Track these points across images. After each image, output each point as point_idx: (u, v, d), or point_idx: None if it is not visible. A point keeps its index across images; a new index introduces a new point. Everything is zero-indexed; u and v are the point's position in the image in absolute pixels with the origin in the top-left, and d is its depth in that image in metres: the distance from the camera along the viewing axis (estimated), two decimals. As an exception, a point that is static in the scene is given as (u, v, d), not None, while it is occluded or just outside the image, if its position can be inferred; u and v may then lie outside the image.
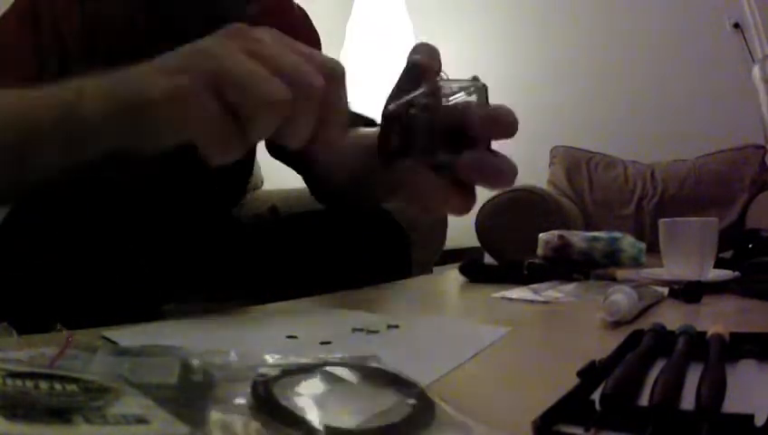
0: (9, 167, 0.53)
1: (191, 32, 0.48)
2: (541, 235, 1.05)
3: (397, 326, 0.52)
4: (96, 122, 0.47)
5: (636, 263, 1.01)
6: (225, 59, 0.42)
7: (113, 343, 0.45)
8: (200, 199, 0.89)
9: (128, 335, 0.47)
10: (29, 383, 0.23)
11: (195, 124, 0.42)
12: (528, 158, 2.78)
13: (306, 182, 0.97)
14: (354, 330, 0.51)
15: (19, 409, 0.21)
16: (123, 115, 0.46)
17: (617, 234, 1.03)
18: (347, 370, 0.32)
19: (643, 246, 1.04)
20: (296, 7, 0.99)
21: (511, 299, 0.75)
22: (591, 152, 2.67)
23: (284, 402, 0.25)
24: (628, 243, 1.02)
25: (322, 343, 0.46)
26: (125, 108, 0.46)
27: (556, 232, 1.04)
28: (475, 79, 0.45)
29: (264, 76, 0.41)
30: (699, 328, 0.43)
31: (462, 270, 0.98)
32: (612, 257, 1.00)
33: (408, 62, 0.46)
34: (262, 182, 2.28)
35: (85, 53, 0.75)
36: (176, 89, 0.43)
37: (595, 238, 1.01)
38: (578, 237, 1.02)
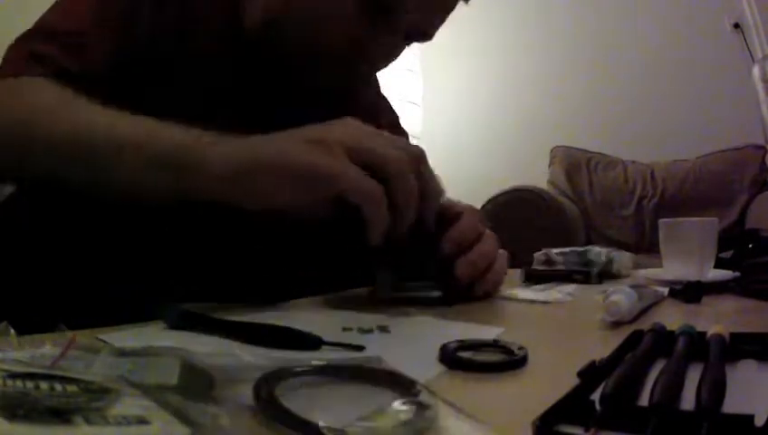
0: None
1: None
2: (535, 254, 1.05)
3: (387, 326, 0.52)
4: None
5: (613, 273, 0.98)
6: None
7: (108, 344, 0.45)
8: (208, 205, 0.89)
9: (123, 337, 0.46)
10: (29, 384, 0.23)
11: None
12: (528, 158, 2.81)
13: None
14: (344, 329, 0.51)
15: (19, 409, 0.21)
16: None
17: (588, 247, 1.01)
18: (348, 371, 0.32)
19: (617, 254, 1.00)
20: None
21: (511, 299, 0.75)
22: (591, 152, 2.68)
23: (286, 403, 0.25)
24: (595, 254, 0.99)
25: None
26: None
27: (543, 249, 1.05)
28: None
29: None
30: (699, 328, 0.43)
31: (462, 270, 0.98)
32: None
33: None
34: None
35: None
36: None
37: (566, 253, 1.01)
38: (554, 253, 1.03)
